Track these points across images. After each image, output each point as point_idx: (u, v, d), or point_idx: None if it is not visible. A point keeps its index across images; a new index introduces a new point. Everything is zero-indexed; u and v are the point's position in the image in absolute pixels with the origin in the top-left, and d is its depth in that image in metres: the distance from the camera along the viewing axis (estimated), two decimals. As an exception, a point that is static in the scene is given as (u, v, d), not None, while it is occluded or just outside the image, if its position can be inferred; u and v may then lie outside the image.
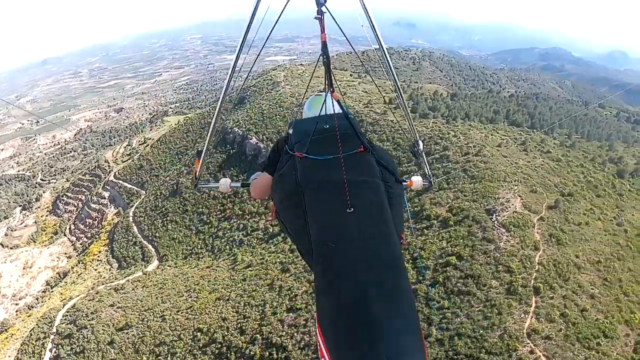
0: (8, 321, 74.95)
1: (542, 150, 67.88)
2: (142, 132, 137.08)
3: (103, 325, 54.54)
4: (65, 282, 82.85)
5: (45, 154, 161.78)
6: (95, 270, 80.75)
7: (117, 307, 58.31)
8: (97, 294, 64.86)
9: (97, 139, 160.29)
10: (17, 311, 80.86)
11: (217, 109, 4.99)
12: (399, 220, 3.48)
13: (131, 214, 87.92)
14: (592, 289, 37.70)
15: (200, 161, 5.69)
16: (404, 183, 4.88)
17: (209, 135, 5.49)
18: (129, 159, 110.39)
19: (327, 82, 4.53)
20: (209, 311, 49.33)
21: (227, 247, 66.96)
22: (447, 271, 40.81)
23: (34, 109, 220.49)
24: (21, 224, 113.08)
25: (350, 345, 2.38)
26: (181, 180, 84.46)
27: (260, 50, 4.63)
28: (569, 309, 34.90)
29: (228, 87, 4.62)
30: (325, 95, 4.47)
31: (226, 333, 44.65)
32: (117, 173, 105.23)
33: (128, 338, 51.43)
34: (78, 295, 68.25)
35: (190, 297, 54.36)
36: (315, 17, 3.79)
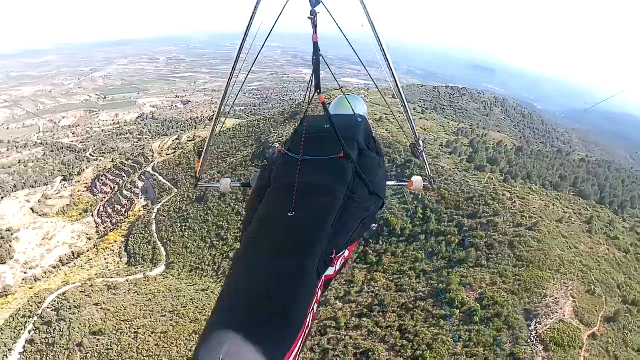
0: (10, 288, 75.37)
1: (609, 234, 54.57)
2: (195, 128, 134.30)
3: (80, 324, 51.82)
4: (75, 264, 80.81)
5: (102, 130, 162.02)
6: (105, 260, 77.67)
7: (100, 308, 55.17)
8: (90, 286, 62.14)
9: (157, 126, 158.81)
10: (23, 279, 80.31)
11: (217, 108, 4.99)
12: (344, 234, 3.39)
13: (155, 210, 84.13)
14: None
15: (201, 161, 5.56)
16: (404, 182, 5.48)
17: (210, 134, 5.45)
18: (173, 154, 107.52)
19: (314, 83, 4.89)
20: (180, 344, 44.39)
21: (232, 272, 60.43)
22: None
23: (104, 85, 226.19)
24: (57, 194, 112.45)
25: (202, 345, 2.37)
26: (210, 188, 78.75)
27: (257, 57, 4.62)
28: None
29: (229, 85, 4.53)
30: (312, 97, 4.95)
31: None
32: (155, 165, 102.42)
33: (97, 346, 47.97)
34: (74, 283, 65.70)
35: (172, 319, 49.51)
36: (308, 18, 3.92)
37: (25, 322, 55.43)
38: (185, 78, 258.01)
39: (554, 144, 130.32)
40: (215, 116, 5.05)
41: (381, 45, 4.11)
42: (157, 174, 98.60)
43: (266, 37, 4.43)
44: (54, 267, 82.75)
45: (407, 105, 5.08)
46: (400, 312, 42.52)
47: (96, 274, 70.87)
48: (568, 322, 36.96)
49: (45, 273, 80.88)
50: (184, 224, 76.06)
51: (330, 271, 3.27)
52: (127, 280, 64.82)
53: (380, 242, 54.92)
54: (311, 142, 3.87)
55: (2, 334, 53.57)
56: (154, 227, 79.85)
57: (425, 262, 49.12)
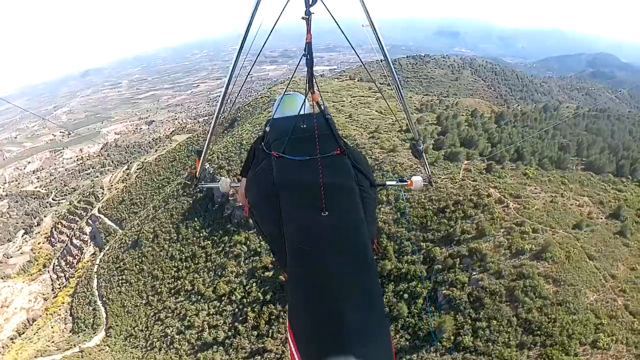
0: (-32, 371, 68.81)
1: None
2: (147, 153, 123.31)
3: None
4: (26, 335, 73.02)
5: (65, 170, 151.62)
6: (52, 328, 69.44)
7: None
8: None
9: (120, 155, 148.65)
10: (-17, 358, 73.38)
11: (218, 107, 4.66)
12: (372, 225, 3.47)
13: (98, 261, 74.35)
14: None
15: (201, 161, 5.39)
16: (405, 182, 5.27)
17: (209, 133, 5.09)
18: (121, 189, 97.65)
19: (307, 83, 4.50)
20: None
21: (159, 342, 49.35)
22: None
23: (68, 121, 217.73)
24: (18, 250, 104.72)
25: (321, 355, 2.24)
26: (143, 229, 68.07)
27: (259, 53, 4.42)
28: None
29: (229, 83, 4.40)
30: (305, 96, 4.52)
31: None
32: (101, 206, 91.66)
33: None
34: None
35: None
36: (303, 18, 3.83)
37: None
38: (148, 98, 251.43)
39: (534, 97, 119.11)
40: (215, 113, 4.56)
41: (381, 45, 3.91)
42: (102, 216, 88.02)
43: (266, 37, 4.07)
44: (12, 339, 75.70)
45: (406, 104, 4.93)
46: None
47: (38, 350, 63.12)
48: None
49: (3, 347, 73.93)
50: (121, 277, 65.17)
51: None
52: (64, 357, 56.85)
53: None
54: (300, 142, 3.64)
55: None
56: (94, 283, 70.00)
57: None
